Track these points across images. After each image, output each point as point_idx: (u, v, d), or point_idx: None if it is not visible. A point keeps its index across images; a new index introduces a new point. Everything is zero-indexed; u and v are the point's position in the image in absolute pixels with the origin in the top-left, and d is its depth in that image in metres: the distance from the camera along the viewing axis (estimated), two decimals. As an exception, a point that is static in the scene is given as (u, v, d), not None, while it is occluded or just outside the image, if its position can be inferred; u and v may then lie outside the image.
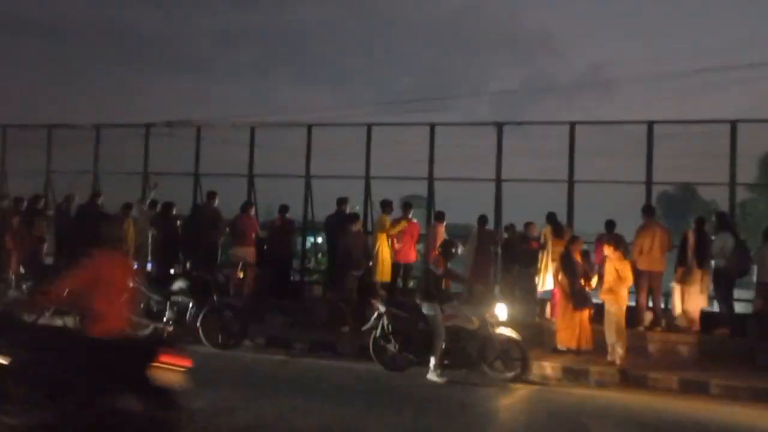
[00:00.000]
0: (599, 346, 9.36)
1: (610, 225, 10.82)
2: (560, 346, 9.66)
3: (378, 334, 8.75)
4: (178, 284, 10.10)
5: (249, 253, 12.08)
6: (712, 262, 10.14)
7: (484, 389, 7.97)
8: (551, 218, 11.32)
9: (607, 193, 12.05)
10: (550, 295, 10.96)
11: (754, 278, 10.13)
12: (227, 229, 12.35)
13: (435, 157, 12.65)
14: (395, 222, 11.67)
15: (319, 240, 14.97)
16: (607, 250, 9.28)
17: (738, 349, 9.52)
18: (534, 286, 11.13)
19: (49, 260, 12.80)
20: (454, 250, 8.97)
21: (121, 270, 5.24)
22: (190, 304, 9.87)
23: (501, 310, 8.63)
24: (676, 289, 10.38)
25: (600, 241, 10.67)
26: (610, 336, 9.15)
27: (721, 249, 9.96)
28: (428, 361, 8.33)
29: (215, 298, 9.88)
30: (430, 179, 12.69)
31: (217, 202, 12.38)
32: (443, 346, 8.36)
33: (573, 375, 8.82)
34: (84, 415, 4.40)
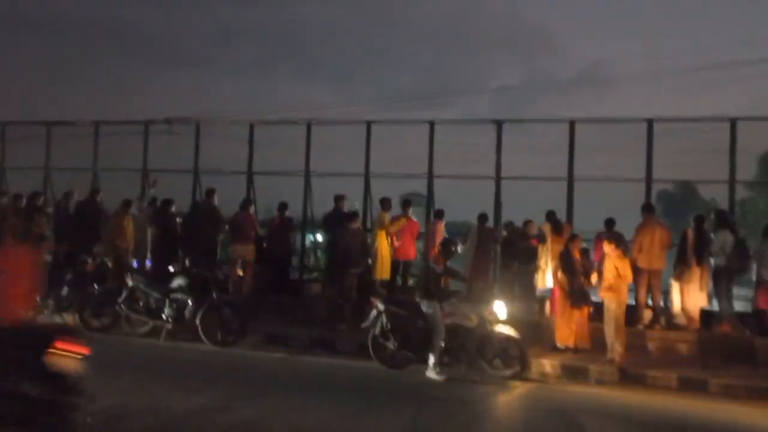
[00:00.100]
0: (599, 344, 9.36)
1: (609, 223, 10.82)
2: (559, 344, 9.67)
3: (377, 332, 8.74)
4: (178, 281, 10.10)
5: (248, 250, 12.07)
6: (712, 260, 10.14)
7: (482, 387, 7.96)
8: (551, 216, 11.31)
9: (607, 190, 12.04)
10: (549, 293, 10.95)
11: (754, 276, 10.13)
12: (226, 226, 12.34)
13: (435, 154, 12.64)
14: (395, 219, 11.66)
15: (319, 237, 14.96)
16: (607, 248, 9.27)
17: (737, 348, 9.52)
18: (533, 284, 11.13)
19: (47, 257, 12.80)
20: (453, 249, 8.96)
21: (23, 261, 5.35)
22: (189, 302, 9.88)
23: (500, 308, 8.63)
24: (676, 287, 10.38)
25: (599, 239, 10.67)
26: (610, 334, 9.14)
27: (720, 247, 9.95)
28: (427, 359, 8.32)
29: (214, 295, 9.88)
30: (430, 177, 12.67)
31: (216, 199, 12.36)
32: (442, 344, 8.36)
33: (572, 373, 8.81)
34: None
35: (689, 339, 9.87)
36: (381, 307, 8.80)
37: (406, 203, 12.01)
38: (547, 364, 8.95)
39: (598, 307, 9.61)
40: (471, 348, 8.52)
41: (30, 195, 12.79)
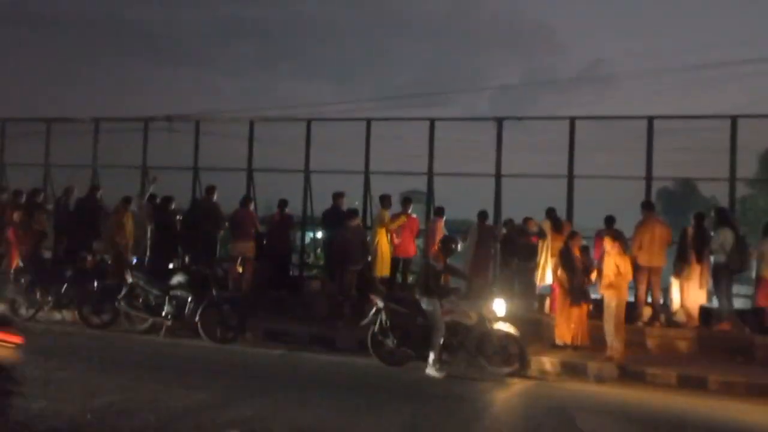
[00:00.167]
0: (598, 342, 9.36)
1: (609, 220, 10.83)
2: (559, 342, 9.68)
3: (376, 329, 8.74)
4: (177, 278, 10.11)
5: (248, 247, 12.07)
6: (712, 258, 10.14)
7: (482, 384, 7.96)
8: (551, 213, 11.31)
9: (607, 188, 12.04)
10: (549, 290, 10.96)
11: (753, 274, 10.13)
12: (226, 223, 12.34)
13: (435, 152, 12.63)
14: (395, 217, 11.66)
15: (318, 235, 14.96)
16: (607, 244, 9.27)
17: (737, 345, 9.52)
18: (533, 281, 11.13)
19: (47, 253, 12.82)
20: (453, 246, 8.96)
21: None
22: (189, 299, 9.88)
23: (499, 306, 8.63)
24: (675, 285, 10.38)
25: (599, 236, 10.68)
26: (610, 331, 9.14)
27: (720, 244, 9.95)
28: (427, 356, 8.33)
29: (214, 292, 9.89)
30: (430, 174, 12.67)
31: (216, 196, 12.36)
32: (442, 341, 8.36)
33: (571, 370, 8.82)
34: None
35: (689, 336, 9.87)
36: (380, 304, 8.80)
37: (406, 201, 12.01)
38: (547, 362, 8.96)
39: (598, 305, 9.62)
40: (470, 345, 8.53)
41: (30, 192, 12.80)
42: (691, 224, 10.44)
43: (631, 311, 9.89)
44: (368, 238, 11.72)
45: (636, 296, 10.33)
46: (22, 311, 10.89)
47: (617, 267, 9.10)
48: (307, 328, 10.48)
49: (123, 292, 10.21)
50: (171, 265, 10.85)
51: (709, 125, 11.65)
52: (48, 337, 9.74)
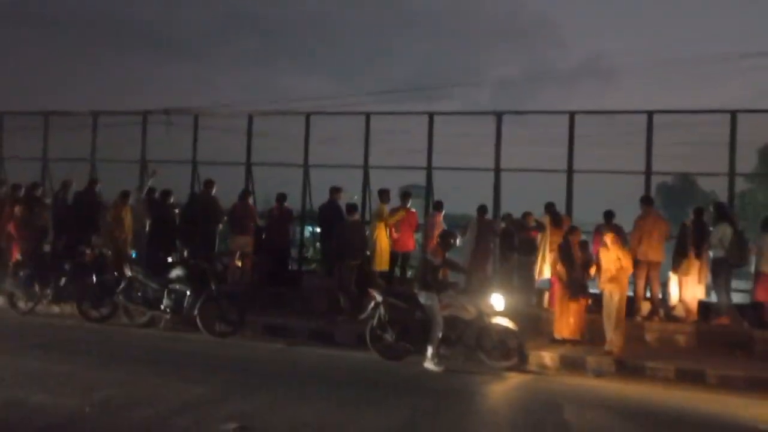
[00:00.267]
0: (597, 336, 9.37)
1: (608, 215, 10.82)
2: (557, 336, 9.68)
3: (375, 323, 8.74)
4: (176, 272, 10.10)
5: (247, 241, 12.06)
6: (710, 253, 10.14)
7: (480, 378, 7.97)
8: (550, 208, 11.31)
9: (606, 183, 12.03)
10: (548, 284, 10.96)
11: (752, 269, 10.13)
12: (225, 217, 12.33)
13: (434, 146, 12.62)
14: (393, 211, 11.65)
15: (318, 229, 14.94)
16: (609, 240, 9.25)
17: (736, 339, 9.54)
18: (532, 275, 11.14)
19: (46, 247, 12.79)
20: (452, 241, 8.96)
21: None
22: (188, 293, 9.87)
23: (497, 300, 8.63)
24: (674, 279, 10.39)
25: (598, 231, 10.68)
26: (610, 326, 9.15)
27: (719, 239, 9.95)
28: (425, 350, 8.33)
29: (213, 286, 9.88)
30: (429, 169, 12.66)
31: (214, 190, 12.35)
32: (440, 335, 8.37)
33: (570, 364, 8.83)
34: None
35: (687, 331, 9.90)
36: (379, 298, 8.80)
37: (405, 195, 12.01)
38: (546, 356, 8.97)
39: (597, 299, 9.62)
40: (469, 339, 8.53)
41: (29, 186, 12.77)
42: (690, 219, 10.44)
43: (630, 306, 9.90)
44: (367, 233, 11.71)
45: (635, 291, 10.34)
46: (21, 305, 10.88)
47: (619, 261, 9.11)
48: (306, 322, 10.49)
49: (122, 285, 10.21)
50: (170, 259, 10.82)
51: (708, 120, 11.62)
52: (47, 331, 9.74)
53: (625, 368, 8.65)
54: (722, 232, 9.96)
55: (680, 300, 10.32)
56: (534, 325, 9.92)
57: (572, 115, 11.92)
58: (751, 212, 22.23)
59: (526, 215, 11.39)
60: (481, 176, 12.45)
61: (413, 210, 12.03)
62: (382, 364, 8.49)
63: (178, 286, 9.98)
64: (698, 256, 10.14)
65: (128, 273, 10.23)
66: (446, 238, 8.93)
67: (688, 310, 10.22)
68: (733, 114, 11.13)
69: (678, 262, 10.30)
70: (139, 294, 10.19)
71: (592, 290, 9.88)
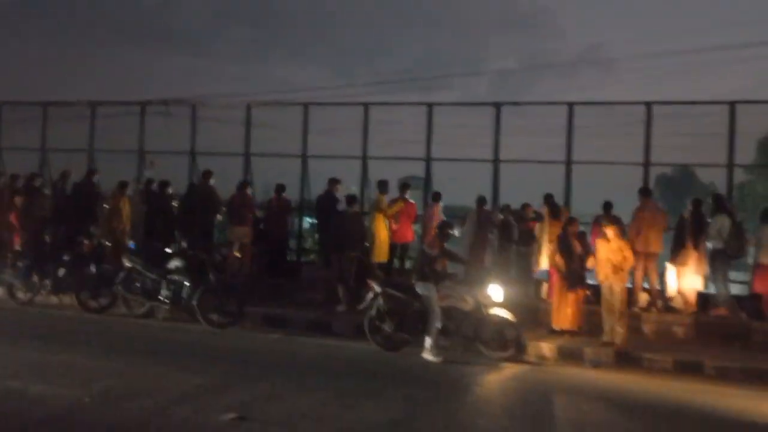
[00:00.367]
0: (595, 327, 9.39)
1: (607, 206, 10.82)
2: (556, 327, 9.70)
3: (373, 314, 8.76)
4: (174, 263, 10.10)
5: (245, 232, 12.05)
6: (708, 244, 10.15)
7: (479, 369, 7.99)
8: (548, 199, 11.31)
9: (605, 174, 12.03)
10: (546, 275, 10.97)
11: (750, 260, 10.15)
12: (223, 208, 12.32)
13: (432, 137, 12.60)
14: (392, 202, 11.64)
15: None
16: (610, 232, 9.24)
17: (733, 331, 9.57)
18: (530, 267, 11.15)
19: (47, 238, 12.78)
20: (450, 232, 8.96)
21: None
22: (186, 283, 9.88)
23: (495, 291, 8.64)
24: (672, 270, 10.41)
25: (597, 222, 10.68)
26: (609, 317, 9.17)
27: (717, 230, 9.96)
28: (423, 341, 8.35)
29: (211, 277, 9.88)
30: (428, 159, 12.64)
31: (213, 180, 12.33)
32: (438, 326, 8.38)
33: (568, 355, 8.85)
34: None
35: (685, 322, 9.92)
36: (378, 289, 8.81)
37: (403, 186, 11.99)
38: (544, 347, 8.99)
39: (595, 290, 9.63)
40: (467, 330, 8.54)
41: (28, 176, 12.75)
42: (688, 210, 10.44)
43: (628, 297, 9.92)
44: (366, 224, 11.71)
45: (633, 282, 10.36)
46: (20, 295, 10.89)
47: (621, 252, 9.11)
48: (304, 313, 10.50)
49: (120, 276, 10.21)
50: (168, 250, 10.82)
51: (707, 111, 11.62)
52: (45, 322, 9.76)
53: (623, 359, 8.67)
54: (720, 224, 9.97)
55: (678, 291, 10.34)
56: (532, 316, 9.94)
57: (571, 105, 11.90)
58: (750, 204, 22.23)
59: (525, 206, 11.39)
60: (480, 167, 12.46)
61: (412, 201, 12.02)
62: (380, 355, 8.51)
63: (176, 277, 9.98)
64: (696, 247, 10.15)
65: (127, 263, 10.23)
66: (444, 228, 8.94)
67: (686, 302, 10.24)
68: (732, 105, 11.12)
69: (676, 253, 10.31)
70: (138, 285, 10.20)
71: (590, 281, 9.90)
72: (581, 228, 10.24)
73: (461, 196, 13.40)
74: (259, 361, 7.94)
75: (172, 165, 13.90)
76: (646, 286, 10.55)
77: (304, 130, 13.28)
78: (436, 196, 11.98)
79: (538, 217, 11.17)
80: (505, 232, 11.35)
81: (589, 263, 9.65)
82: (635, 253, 10.09)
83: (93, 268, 10.78)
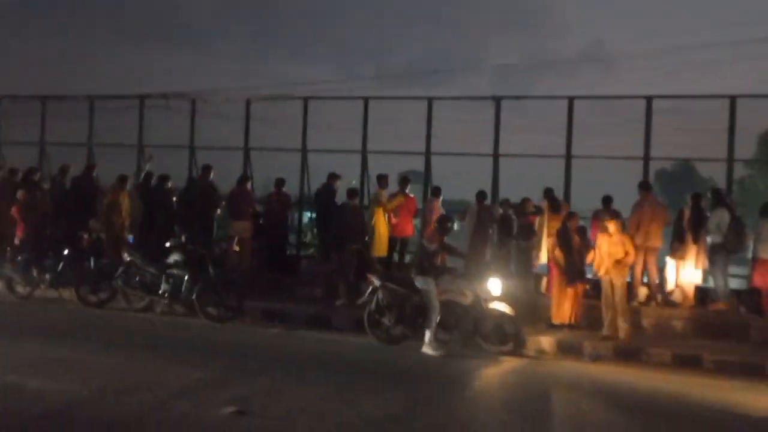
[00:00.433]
0: (594, 322, 9.40)
1: (606, 201, 10.80)
2: (555, 321, 9.71)
3: (373, 308, 8.77)
4: (174, 257, 10.10)
5: (245, 226, 12.04)
6: (708, 238, 10.15)
7: (478, 362, 8.00)
8: (548, 193, 11.28)
9: (605, 168, 12.02)
10: (546, 269, 10.97)
11: (750, 254, 10.14)
12: (223, 202, 12.31)
13: (433, 131, 12.57)
14: (392, 197, 11.63)
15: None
16: (612, 227, 9.23)
17: (732, 325, 9.58)
18: (530, 261, 11.14)
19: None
20: (449, 226, 8.96)
21: None
22: (186, 277, 9.88)
23: (494, 286, 8.64)
24: (671, 265, 10.41)
25: (597, 216, 10.67)
26: (609, 311, 9.18)
27: (717, 225, 9.95)
28: (423, 335, 8.36)
29: (211, 271, 9.88)
30: (428, 154, 12.62)
31: (212, 175, 12.31)
32: (438, 320, 8.38)
33: (567, 349, 8.86)
34: None
35: (684, 316, 9.92)
36: (377, 283, 8.82)
37: (403, 180, 11.97)
38: (543, 341, 9.00)
39: (594, 285, 9.63)
40: (466, 324, 8.56)
41: (27, 170, 12.73)
42: (688, 205, 10.44)
43: (627, 291, 9.92)
44: (366, 218, 11.70)
45: (632, 276, 10.36)
46: (19, 290, 10.89)
47: (623, 247, 9.11)
48: (304, 307, 10.51)
49: (120, 270, 10.21)
50: (168, 244, 10.81)
51: (708, 106, 11.59)
52: (45, 316, 9.76)
53: (622, 353, 8.69)
54: (720, 218, 9.96)
55: (677, 285, 10.35)
56: (531, 310, 9.93)
57: (571, 100, 11.86)
58: (750, 199, 22.20)
59: (525, 201, 11.37)
60: (480, 162, 12.43)
61: (412, 195, 12.00)
62: (380, 349, 8.52)
63: (176, 271, 9.98)
64: (696, 241, 10.15)
65: (126, 258, 10.23)
66: (443, 222, 8.93)
67: (685, 296, 10.25)
68: (733, 99, 11.09)
69: (675, 247, 10.31)
70: (137, 279, 10.20)
71: (589, 276, 9.90)
72: (581, 222, 10.23)
73: (461, 191, 13.40)
74: (258, 355, 7.95)
75: (172, 159, 13.87)
76: (645, 280, 10.55)
77: (304, 125, 13.25)
78: (436, 191, 11.97)
79: (538, 212, 11.17)
80: (504, 226, 11.34)
81: (589, 258, 9.65)
82: (635, 247, 10.11)
83: (92, 263, 10.78)
